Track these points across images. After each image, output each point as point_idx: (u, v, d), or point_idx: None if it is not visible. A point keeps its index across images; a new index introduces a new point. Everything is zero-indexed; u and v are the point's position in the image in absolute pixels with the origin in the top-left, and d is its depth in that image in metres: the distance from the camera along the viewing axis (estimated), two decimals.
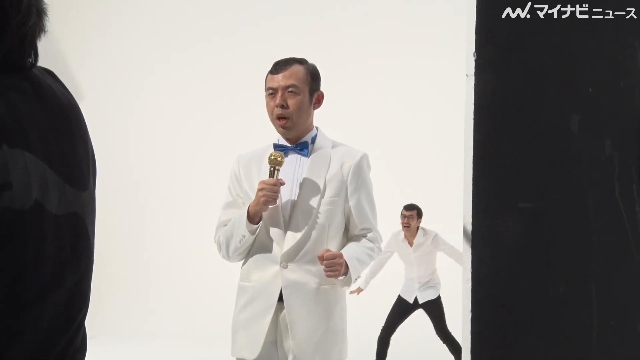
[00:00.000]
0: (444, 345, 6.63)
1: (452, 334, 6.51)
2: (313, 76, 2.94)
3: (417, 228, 6.73)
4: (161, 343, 8.50)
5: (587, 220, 1.90)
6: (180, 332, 8.85)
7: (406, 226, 6.66)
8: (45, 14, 1.18)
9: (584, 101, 1.91)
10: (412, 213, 6.69)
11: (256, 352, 2.84)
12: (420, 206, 6.80)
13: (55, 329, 1.15)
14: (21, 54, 1.15)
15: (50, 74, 1.25)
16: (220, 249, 2.98)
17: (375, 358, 6.69)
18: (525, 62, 1.89)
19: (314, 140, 2.97)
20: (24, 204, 1.07)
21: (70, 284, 1.17)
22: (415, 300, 6.61)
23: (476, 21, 1.85)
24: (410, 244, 6.70)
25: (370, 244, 2.92)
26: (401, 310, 6.65)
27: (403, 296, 6.69)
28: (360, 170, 2.93)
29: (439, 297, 6.63)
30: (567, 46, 1.89)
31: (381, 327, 6.66)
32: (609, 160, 1.91)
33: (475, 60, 1.87)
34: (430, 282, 6.63)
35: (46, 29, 1.18)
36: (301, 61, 2.95)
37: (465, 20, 1.87)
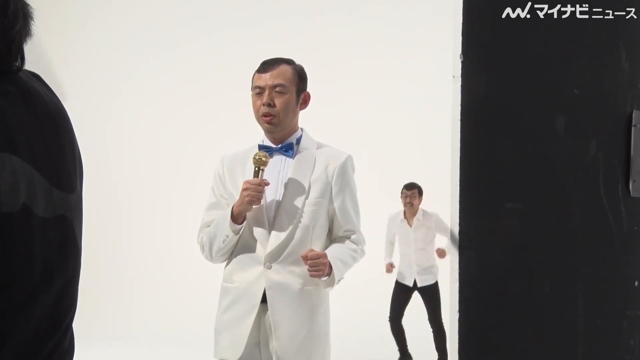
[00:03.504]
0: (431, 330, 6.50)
1: (444, 323, 6.36)
2: (300, 77, 2.94)
3: (419, 207, 6.61)
4: (144, 345, 8.46)
5: (573, 221, 1.92)
6: (163, 334, 8.81)
7: (409, 204, 6.52)
8: (32, 18, 1.18)
9: (569, 102, 1.92)
10: (414, 192, 6.57)
11: (239, 353, 2.83)
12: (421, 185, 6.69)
13: (43, 331, 1.15)
14: (8, 58, 1.15)
15: (37, 77, 1.25)
16: (203, 250, 2.96)
17: (398, 350, 6.61)
18: (512, 63, 1.90)
19: (298, 141, 2.96)
20: (12, 207, 1.07)
21: (58, 287, 1.17)
22: (415, 283, 6.46)
23: (463, 22, 1.85)
24: (410, 224, 6.56)
25: (354, 246, 2.92)
26: (403, 295, 6.51)
27: (401, 281, 6.53)
28: (344, 172, 2.92)
29: (436, 283, 6.50)
30: (553, 47, 1.90)
31: (388, 318, 6.54)
32: (594, 161, 1.93)
33: (462, 62, 1.87)
34: (429, 267, 6.49)
35: (32, 33, 1.18)
36: (289, 61, 2.95)
37: (452, 21, 1.87)
